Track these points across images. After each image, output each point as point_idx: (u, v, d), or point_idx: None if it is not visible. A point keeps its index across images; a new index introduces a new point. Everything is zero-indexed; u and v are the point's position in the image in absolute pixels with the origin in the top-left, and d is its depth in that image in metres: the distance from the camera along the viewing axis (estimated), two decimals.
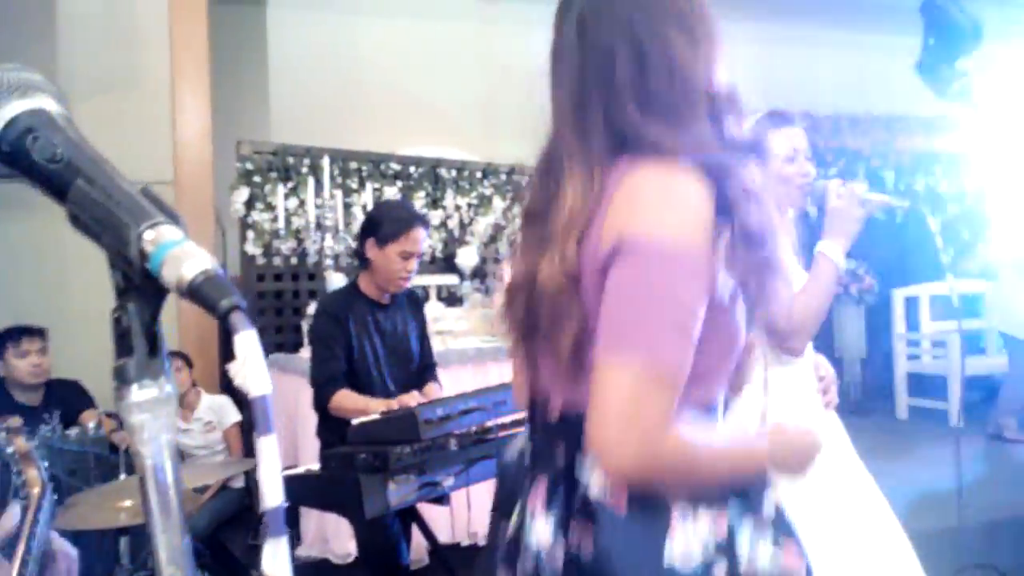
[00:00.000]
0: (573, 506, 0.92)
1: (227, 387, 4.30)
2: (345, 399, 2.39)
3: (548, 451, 0.98)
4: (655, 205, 0.87)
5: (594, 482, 0.91)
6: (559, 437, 0.97)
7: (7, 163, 0.47)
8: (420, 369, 2.67)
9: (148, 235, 0.43)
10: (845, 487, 1.75)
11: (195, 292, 0.42)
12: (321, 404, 2.44)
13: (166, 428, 0.42)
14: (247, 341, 0.41)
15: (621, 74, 0.93)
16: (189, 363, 3.98)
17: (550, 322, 0.93)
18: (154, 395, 0.43)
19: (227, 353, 4.73)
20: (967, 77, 1.06)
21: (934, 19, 1.07)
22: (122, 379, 0.42)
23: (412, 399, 2.29)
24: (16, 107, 0.48)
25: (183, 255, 0.42)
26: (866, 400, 6.42)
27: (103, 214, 0.45)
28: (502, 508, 1.07)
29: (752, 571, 0.88)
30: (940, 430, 5.22)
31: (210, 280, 0.43)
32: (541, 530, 0.93)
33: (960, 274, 6.01)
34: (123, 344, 0.43)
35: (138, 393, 0.42)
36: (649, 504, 0.88)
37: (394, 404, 2.26)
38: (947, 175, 7.06)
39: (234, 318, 0.42)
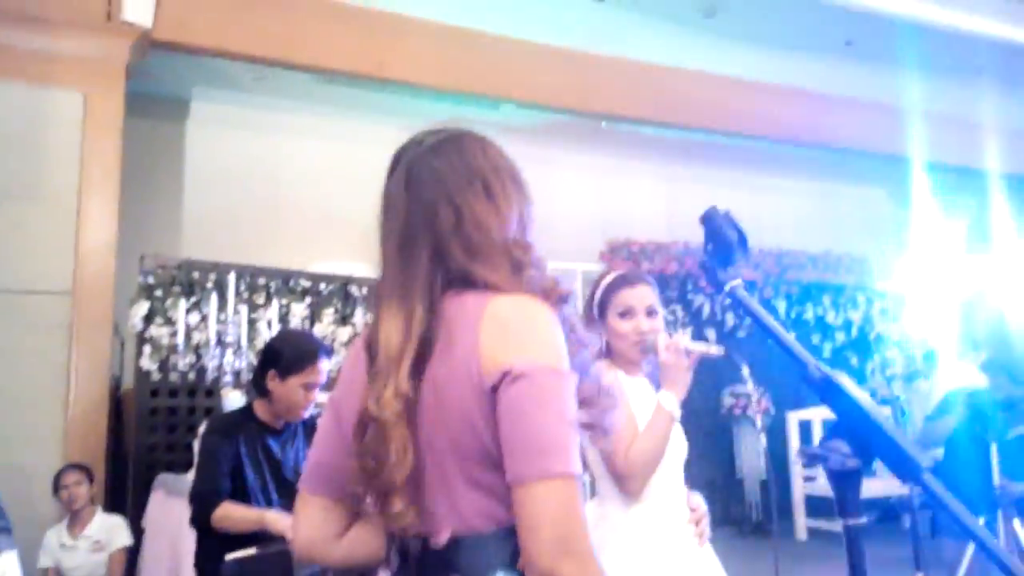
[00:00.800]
0: None
1: (113, 506, 4.08)
2: (231, 510, 2.30)
3: None
4: (531, 334, 0.99)
5: None
6: (449, 563, 0.99)
7: None
8: None
9: None
10: None
11: None
12: (204, 516, 2.32)
13: None
14: (8, 563, 0.46)
15: (443, 223, 1.06)
16: (91, 477, 3.80)
17: (392, 453, 0.98)
18: None
19: (117, 470, 4.51)
20: (738, 279, 1.23)
21: (711, 230, 1.24)
22: None
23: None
24: None
25: None
26: (767, 521, 6.55)
27: None
28: None
29: None
30: (836, 550, 5.34)
31: None
32: None
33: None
34: None
35: None
36: None
37: (286, 523, 2.18)
38: (834, 306, 7.56)
39: (1, 540, 0.47)
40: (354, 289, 5.01)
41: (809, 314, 7.46)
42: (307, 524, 1.12)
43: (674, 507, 1.81)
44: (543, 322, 1.01)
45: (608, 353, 1.88)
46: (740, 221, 1.12)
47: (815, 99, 6.88)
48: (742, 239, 1.03)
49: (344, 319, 4.94)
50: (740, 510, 6.54)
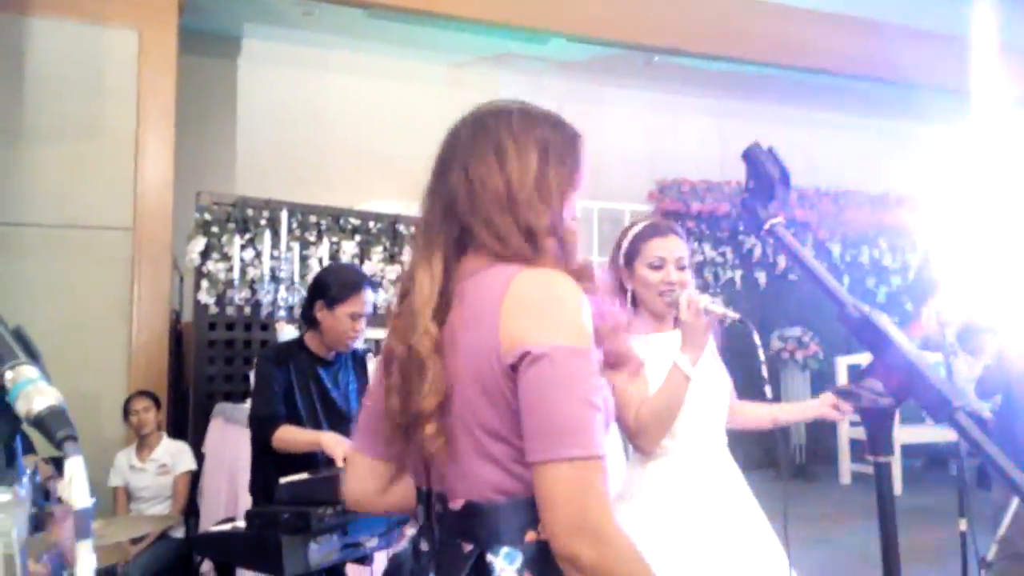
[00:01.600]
0: None
1: (175, 433, 4.30)
2: (290, 431, 2.43)
3: (451, 542, 1.04)
4: (553, 313, 0.99)
5: (505, 570, 0.99)
6: (462, 526, 1.03)
7: None
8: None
9: (8, 375, 0.53)
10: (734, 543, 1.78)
11: (39, 422, 0.52)
12: (264, 438, 2.45)
13: (17, 525, 0.51)
14: (75, 465, 0.51)
15: (457, 192, 1.09)
16: (157, 404, 4.01)
17: (426, 381, 1.02)
18: (8, 499, 0.52)
19: (178, 399, 4.73)
20: (779, 217, 1.19)
21: (753, 166, 1.19)
22: None
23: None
24: None
25: (34, 392, 0.52)
26: (810, 464, 6.55)
27: None
28: None
29: None
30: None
31: (53, 414, 0.53)
32: None
33: None
34: None
35: None
36: None
37: (340, 450, 2.28)
38: (892, 249, 7.36)
39: (67, 445, 0.52)
40: (402, 228, 5.07)
41: (865, 257, 7.28)
42: (356, 480, 1.22)
43: (704, 459, 1.82)
44: (566, 299, 1.00)
45: (633, 303, 1.86)
46: (792, 159, 1.10)
47: (877, 30, 6.52)
48: (784, 176, 1.01)
49: (392, 257, 5.02)
50: (784, 453, 6.56)
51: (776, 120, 7.11)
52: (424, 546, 1.11)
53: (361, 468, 1.21)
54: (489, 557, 1.01)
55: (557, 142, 1.12)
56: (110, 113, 4.63)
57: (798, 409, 2.08)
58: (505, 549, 1.01)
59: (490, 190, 1.07)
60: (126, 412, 3.98)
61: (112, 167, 4.59)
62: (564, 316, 0.99)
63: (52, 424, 0.53)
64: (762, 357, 1.66)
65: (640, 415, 1.71)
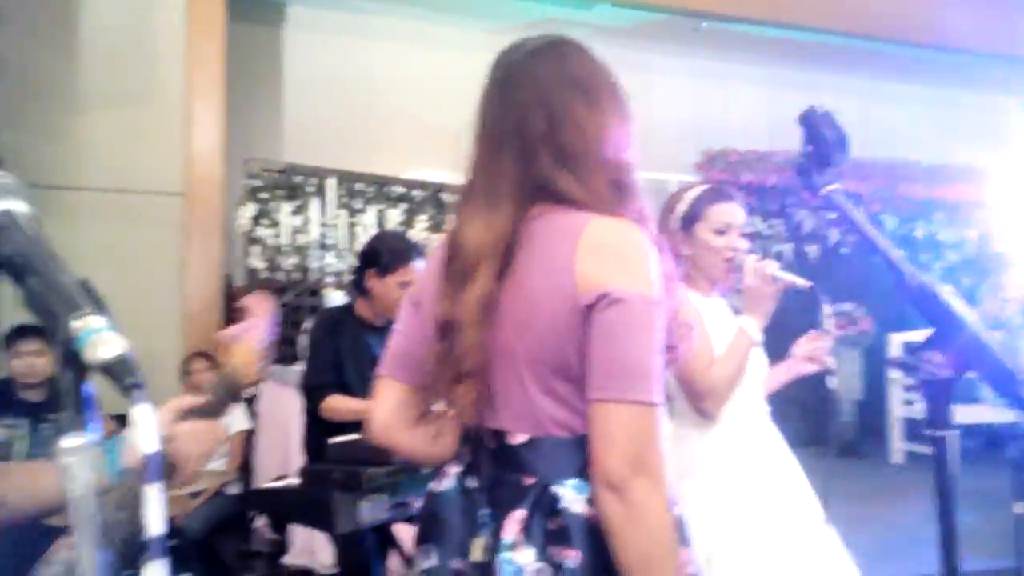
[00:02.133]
0: (553, 527, 1.00)
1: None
2: (337, 401, 2.49)
3: (507, 477, 1.05)
4: (631, 260, 1.00)
5: (574, 500, 1.00)
6: (523, 461, 1.04)
7: None
8: None
9: (76, 323, 0.55)
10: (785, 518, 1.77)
11: (107, 370, 0.54)
12: (313, 406, 2.54)
13: (89, 468, 0.53)
14: (142, 412, 0.53)
15: (534, 128, 1.05)
16: (215, 364, 4.12)
17: (466, 348, 1.03)
18: (79, 443, 0.54)
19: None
20: (836, 183, 1.16)
21: (810, 130, 1.16)
22: (57, 429, 0.54)
23: None
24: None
25: (101, 341, 0.54)
26: (860, 442, 6.45)
27: (45, 303, 0.58)
28: (433, 536, 1.13)
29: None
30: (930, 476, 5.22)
31: (120, 361, 0.55)
32: (523, 555, 1.00)
33: None
34: (58, 401, 0.55)
35: (66, 441, 0.54)
36: None
37: None
38: (948, 223, 7.13)
39: (134, 392, 0.54)
40: (447, 196, 5.09)
41: (920, 231, 7.06)
42: (384, 407, 1.18)
43: (753, 428, 1.81)
44: (643, 249, 1.02)
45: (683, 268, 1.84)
46: (843, 125, 1.07)
47: None
48: (842, 141, 0.99)
49: (437, 226, 5.05)
50: (832, 429, 6.45)
51: (828, 88, 6.88)
52: (472, 483, 1.11)
53: (390, 394, 1.18)
54: (554, 488, 1.02)
55: (614, 81, 1.11)
56: (160, 79, 4.70)
57: (778, 371, 1.96)
58: (573, 481, 1.03)
59: (583, 135, 1.05)
60: (185, 372, 4.10)
61: (163, 133, 4.67)
62: (642, 264, 1.00)
63: (119, 372, 0.56)
64: (831, 329, 1.64)
65: (711, 376, 1.71)
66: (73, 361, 0.55)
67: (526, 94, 1.07)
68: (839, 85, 6.99)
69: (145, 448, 0.54)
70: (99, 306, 0.57)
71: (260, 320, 1.30)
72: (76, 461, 0.53)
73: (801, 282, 1.71)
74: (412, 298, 1.21)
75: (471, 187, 1.11)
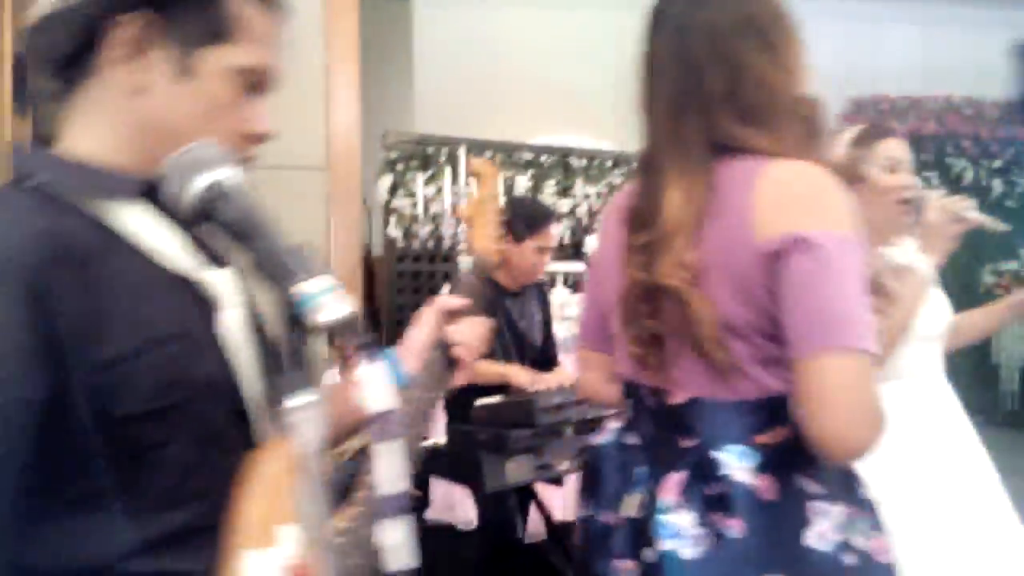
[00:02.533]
0: (713, 492, 0.97)
1: None
2: (479, 365, 2.56)
3: (666, 437, 1.04)
4: (823, 200, 0.93)
5: (737, 468, 0.96)
6: (682, 422, 1.02)
7: (203, 218, 0.63)
8: (543, 359, 2.82)
9: (299, 287, 0.57)
10: (968, 498, 1.68)
11: (332, 331, 0.57)
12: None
13: (314, 425, 0.57)
14: (369, 371, 0.56)
15: (714, 87, 0.99)
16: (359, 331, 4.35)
17: (682, 320, 0.99)
18: (304, 402, 0.58)
19: (371, 327, 5.08)
20: None
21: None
22: (282, 388, 0.58)
23: (545, 381, 2.44)
24: (212, 176, 0.64)
25: (325, 304, 0.57)
26: (1023, 410, 5.96)
27: (269, 268, 0.61)
28: (589, 488, 1.15)
29: (866, 555, 0.96)
30: None
31: (346, 322, 0.57)
32: (681, 519, 0.97)
33: None
34: (285, 361, 0.58)
35: (292, 400, 0.58)
36: (790, 492, 0.96)
37: (527, 378, 2.40)
38: None
39: (360, 352, 0.56)
40: (574, 161, 5.05)
41: None
42: (588, 372, 1.28)
43: (930, 384, 1.70)
44: (835, 189, 0.94)
45: None
46: (1004, 71, 0.96)
47: None
48: None
49: (565, 191, 5.03)
50: (993, 398, 5.99)
51: (990, 24, 6.25)
52: (632, 439, 1.11)
53: (591, 362, 1.28)
54: (714, 453, 0.98)
55: (789, 12, 1.03)
56: (299, 56, 4.90)
57: (986, 312, 1.83)
58: (737, 447, 0.98)
59: (767, 86, 0.99)
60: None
61: (305, 110, 4.88)
62: (835, 203, 0.93)
63: (348, 332, 0.58)
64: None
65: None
66: (298, 323, 0.58)
67: (699, 46, 1.00)
68: (1003, 20, 6.32)
69: (376, 407, 0.57)
70: (323, 268, 0.60)
71: (488, 191, 1.26)
72: (301, 419, 0.57)
73: (1000, 226, 1.57)
74: (593, 274, 1.26)
75: (653, 154, 1.06)
